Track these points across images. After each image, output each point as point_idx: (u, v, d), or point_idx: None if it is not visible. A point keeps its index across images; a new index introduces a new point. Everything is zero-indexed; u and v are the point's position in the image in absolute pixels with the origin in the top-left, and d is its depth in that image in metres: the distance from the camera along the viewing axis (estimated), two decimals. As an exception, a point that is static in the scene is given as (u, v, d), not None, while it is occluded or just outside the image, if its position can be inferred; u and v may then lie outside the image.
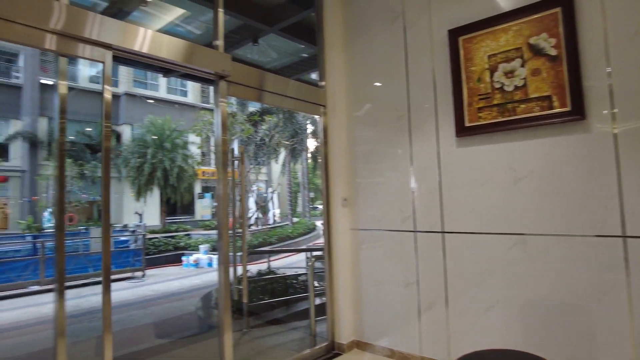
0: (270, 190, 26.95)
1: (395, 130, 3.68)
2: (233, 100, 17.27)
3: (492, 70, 3.08)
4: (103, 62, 2.49)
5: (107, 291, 2.50)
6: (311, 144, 22.71)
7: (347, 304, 3.88)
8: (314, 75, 5.68)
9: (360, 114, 3.98)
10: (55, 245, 2.43)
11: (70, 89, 22.83)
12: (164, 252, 13.85)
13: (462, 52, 3.24)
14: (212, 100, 28.76)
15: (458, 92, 3.24)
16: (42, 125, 23.17)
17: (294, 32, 5.24)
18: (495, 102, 3.06)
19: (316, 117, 4.18)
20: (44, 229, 18.16)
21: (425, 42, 3.50)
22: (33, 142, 22.56)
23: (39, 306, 7.80)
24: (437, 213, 3.36)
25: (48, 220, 19.55)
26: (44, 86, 23.57)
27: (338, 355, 3.74)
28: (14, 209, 22.77)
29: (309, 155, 24.63)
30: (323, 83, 4.16)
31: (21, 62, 23.80)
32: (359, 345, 3.83)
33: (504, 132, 3.04)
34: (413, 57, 3.58)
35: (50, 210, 20.11)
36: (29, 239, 14.46)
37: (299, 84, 3.99)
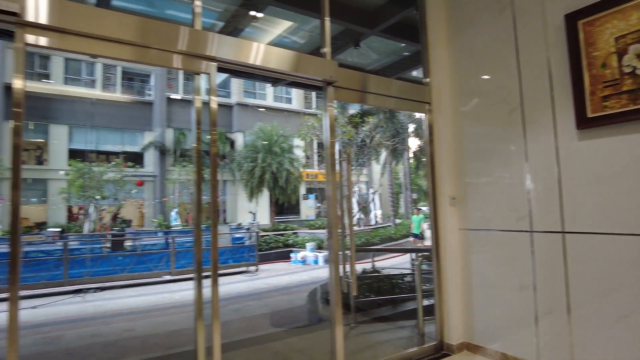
0: (371, 191, 27.05)
1: (507, 125, 3.51)
2: (335, 103, 17.78)
3: (621, 53, 2.79)
4: (208, 74, 2.84)
5: (214, 283, 2.81)
6: (413, 143, 22.28)
7: (456, 305, 3.80)
8: (415, 73, 5.64)
9: (468, 109, 3.87)
10: (194, 241, 2.80)
11: (188, 101, 25.67)
12: (274, 249, 14.80)
13: (582, 37, 2.98)
14: (314, 105, 29.91)
15: (578, 81, 2.99)
16: (169, 135, 26.42)
17: (395, 32, 5.28)
18: (625, 88, 2.76)
19: (421, 115, 4.17)
20: (171, 227, 20.63)
21: (537, 30, 3.29)
22: (162, 151, 25.82)
23: (171, 293, 8.95)
24: (557, 212, 3.13)
25: (174, 219, 22.15)
26: (170, 100, 26.86)
27: (447, 355, 3.69)
28: (148, 209, 26.32)
29: (411, 155, 24.18)
30: (427, 80, 4.14)
31: (152, 81, 27.42)
32: (469, 347, 3.73)
33: (636, 121, 2.72)
34: (524, 46, 3.39)
35: (176, 210, 22.77)
36: (160, 235, 16.58)
37: (402, 82, 4.02)
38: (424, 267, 4.58)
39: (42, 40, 2.36)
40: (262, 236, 15.20)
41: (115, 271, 9.97)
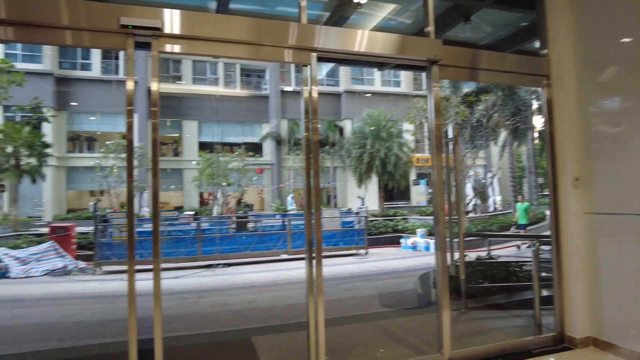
0: (489, 175, 25.27)
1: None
2: (446, 83, 16.99)
3: None
4: (310, 65, 2.99)
5: (318, 263, 2.98)
6: (538, 122, 20.19)
7: (579, 296, 3.47)
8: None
9: (597, 80, 3.44)
10: (305, 223, 3.02)
11: (299, 93, 26.76)
12: (384, 234, 14.88)
13: None
14: (424, 86, 28.85)
15: None
16: (284, 126, 28.06)
17: (508, 1, 4.88)
18: None
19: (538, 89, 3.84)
20: (288, 211, 22.00)
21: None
22: (278, 140, 27.57)
23: (288, 270, 9.65)
24: None
25: (290, 203, 23.55)
26: (283, 93, 28.45)
27: (569, 349, 3.41)
28: (267, 195, 28.45)
29: (536, 134, 21.94)
30: (545, 51, 3.78)
31: (267, 75, 29.29)
32: (597, 343, 3.39)
33: None
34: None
35: (291, 195, 24.19)
36: (278, 217, 17.81)
37: (516, 56, 3.74)
38: (544, 255, 4.25)
39: (175, 48, 2.79)
40: (371, 221, 15.37)
41: (240, 249, 11.08)
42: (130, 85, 2.76)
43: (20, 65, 18.25)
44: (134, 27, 2.60)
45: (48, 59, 23.83)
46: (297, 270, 9.54)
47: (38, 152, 19.22)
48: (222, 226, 13.28)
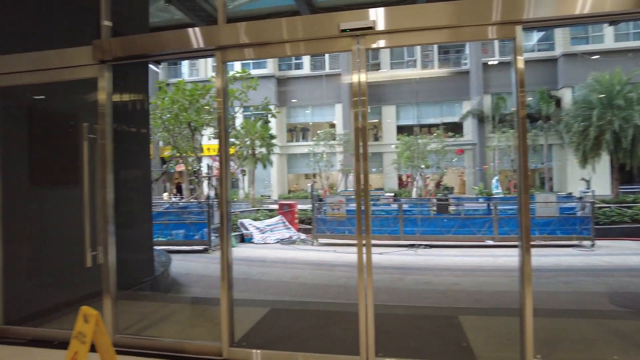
0: None
1: None
2: None
3: None
4: (513, 38, 2.78)
5: (527, 252, 2.75)
6: None
7: None
8: None
9: None
10: (518, 208, 2.83)
11: (505, 64, 24.28)
12: (618, 224, 12.37)
13: None
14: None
15: None
16: (487, 102, 26.03)
17: None
18: None
19: None
20: (492, 194, 20.51)
21: None
22: (480, 118, 25.80)
23: (495, 257, 9.12)
24: None
25: (495, 187, 21.84)
26: (485, 66, 26.33)
27: None
28: (468, 177, 27.13)
29: None
30: None
31: (467, 50, 27.60)
32: None
33: None
34: None
35: (496, 177, 22.40)
36: (481, 201, 16.84)
37: None
38: None
39: (381, 43, 3.04)
40: (600, 208, 12.96)
41: (441, 232, 11.02)
42: (356, 78, 3.05)
43: (252, 72, 22.26)
44: (352, 29, 2.96)
45: (270, 63, 28.24)
46: (505, 257, 8.93)
47: (267, 143, 23.14)
48: (422, 208, 13.43)
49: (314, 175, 26.02)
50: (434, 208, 13.24)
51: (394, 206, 13.29)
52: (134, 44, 3.45)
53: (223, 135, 3.24)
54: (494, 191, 21.36)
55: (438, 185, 23.92)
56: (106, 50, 3.45)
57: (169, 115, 13.24)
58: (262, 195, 26.53)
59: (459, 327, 3.70)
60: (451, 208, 13.34)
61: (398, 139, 24.59)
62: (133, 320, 3.94)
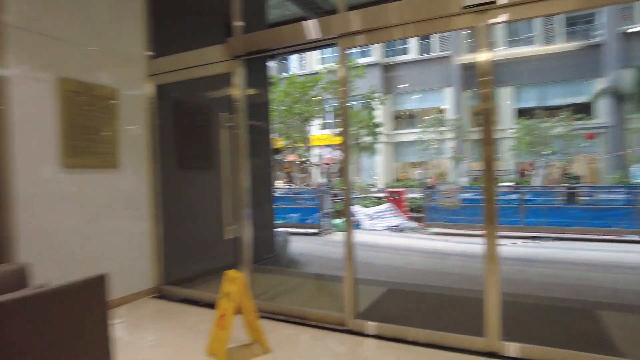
0: None
1: None
2: None
3: None
4: None
5: None
6: None
7: None
8: None
9: None
10: None
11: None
12: None
13: None
14: None
15: None
16: (627, 77, 22.45)
17: None
18: None
19: None
20: (634, 183, 17.80)
21: None
22: (618, 97, 22.39)
23: (632, 253, 8.01)
24: None
25: (637, 175, 18.90)
26: (626, 35, 22.67)
27: None
28: (601, 164, 23.84)
29: None
30: None
31: (599, 19, 24.05)
32: None
33: None
34: None
35: (638, 164, 19.34)
36: (619, 190, 14.76)
37: None
38: None
39: (504, 17, 2.88)
40: None
41: (569, 223, 9.97)
42: (481, 57, 2.95)
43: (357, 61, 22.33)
44: (476, 4, 2.87)
45: (375, 51, 28.01)
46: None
47: (372, 132, 23.17)
48: (546, 197, 12.29)
49: (421, 164, 25.35)
50: (560, 198, 12.01)
51: (512, 196, 12.38)
52: (261, 39, 3.79)
53: (345, 124, 3.39)
54: (635, 179, 18.49)
55: (564, 174, 21.51)
56: (238, 46, 3.85)
57: (283, 108, 14.07)
58: (367, 184, 26.73)
59: (596, 321, 3.39)
60: (582, 198, 11.95)
61: (517, 123, 22.64)
62: (262, 290, 4.38)
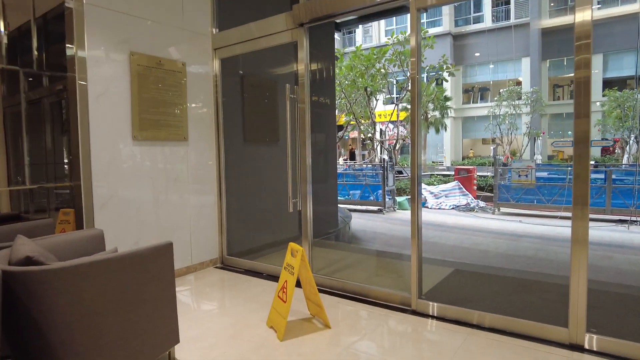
0: None
1: None
2: None
3: None
4: None
5: None
6: None
7: None
8: None
9: None
10: None
11: None
12: None
13: None
14: None
15: None
16: None
17: None
18: None
19: None
20: None
21: None
22: None
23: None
24: None
25: None
26: None
27: None
28: None
29: None
30: None
31: None
32: None
33: None
34: None
35: None
36: None
37: None
38: None
39: None
40: None
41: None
42: (580, 16, 2.48)
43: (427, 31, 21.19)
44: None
45: (445, 20, 26.41)
46: None
47: (441, 106, 22.12)
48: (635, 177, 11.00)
49: (493, 140, 23.83)
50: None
51: (600, 175, 11.23)
52: (326, 3, 3.60)
53: (416, 98, 3.16)
54: None
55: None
56: (303, 13, 3.70)
57: (347, 82, 13.79)
58: (433, 162, 25.76)
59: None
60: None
61: (604, 95, 20.37)
62: (323, 264, 4.36)
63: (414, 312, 3.14)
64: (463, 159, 26.67)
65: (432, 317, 3.05)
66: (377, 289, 3.44)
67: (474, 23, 26.75)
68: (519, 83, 24.40)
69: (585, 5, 2.48)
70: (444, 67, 15.97)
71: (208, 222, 4.48)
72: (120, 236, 3.61)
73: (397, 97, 16.36)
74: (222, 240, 4.59)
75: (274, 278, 4.04)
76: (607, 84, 22.32)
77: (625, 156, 18.80)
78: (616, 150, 21.69)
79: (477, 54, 26.16)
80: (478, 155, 26.71)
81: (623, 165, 17.73)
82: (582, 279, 2.58)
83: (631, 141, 18.70)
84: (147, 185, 3.85)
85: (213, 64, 4.48)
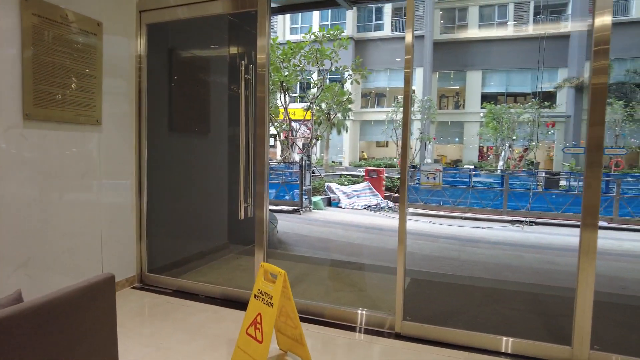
0: None
1: None
2: None
3: None
4: None
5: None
6: None
7: None
8: None
9: None
10: None
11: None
12: None
13: None
14: None
15: None
16: (587, 70, 23.19)
17: None
18: None
19: None
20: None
21: None
22: (578, 88, 23.17)
23: (618, 240, 8.09)
24: None
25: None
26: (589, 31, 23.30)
27: None
28: (557, 153, 24.77)
29: None
30: None
31: (569, 10, 24.56)
32: None
33: None
34: None
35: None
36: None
37: None
38: None
39: None
40: None
41: (550, 208, 10.02)
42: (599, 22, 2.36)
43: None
44: None
45: (349, 24, 27.11)
46: (631, 242, 7.89)
47: (343, 108, 22.50)
48: (517, 181, 12.37)
49: (387, 144, 25.14)
50: (540, 183, 12.13)
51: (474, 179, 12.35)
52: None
53: (407, 100, 2.75)
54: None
55: (520, 159, 22.12)
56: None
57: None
58: (333, 162, 26.24)
59: None
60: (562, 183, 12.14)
61: (483, 107, 22.86)
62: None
63: (398, 336, 2.74)
64: (360, 160, 27.74)
65: (422, 341, 2.68)
66: (351, 310, 2.96)
67: (375, 30, 27.94)
68: (413, 92, 26.14)
69: (605, 9, 2.32)
70: (360, 69, 16.11)
71: (124, 229, 3.52)
72: (3, 253, 2.55)
73: (311, 96, 16.05)
74: (142, 251, 3.66)
75: (216, 301, 3.31)
76: (484, 98, 25.14)
77: (501, 162, 21.30)
78: (489, 157, 24.52)
79: (375, 61, 27.36)
80: (371, 157, 28.07)
81: (499, 170, 20.05)
82: (589, 293, 2.43)
83: (505, 149, 21.24)
84: (43, 182, 2.81)
85: (138, 29, 3.53)
